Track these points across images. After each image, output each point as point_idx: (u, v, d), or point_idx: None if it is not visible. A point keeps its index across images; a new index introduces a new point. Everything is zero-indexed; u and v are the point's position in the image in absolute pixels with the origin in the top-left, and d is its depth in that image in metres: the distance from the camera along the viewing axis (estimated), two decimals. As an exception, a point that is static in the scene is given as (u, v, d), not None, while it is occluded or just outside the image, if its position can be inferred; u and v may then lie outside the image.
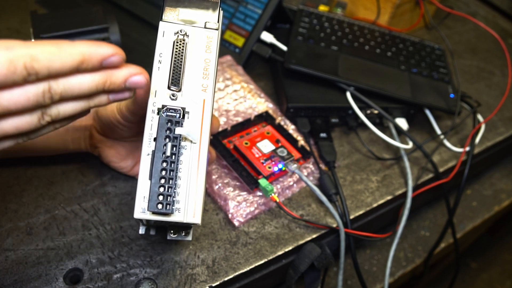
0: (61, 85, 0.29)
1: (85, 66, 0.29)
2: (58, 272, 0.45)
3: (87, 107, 0.32)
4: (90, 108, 0.33)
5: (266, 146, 0.58)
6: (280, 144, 0.58)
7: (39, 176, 0.54)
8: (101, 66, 0.30)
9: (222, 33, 0.75)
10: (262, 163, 0.55)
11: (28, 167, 0.54)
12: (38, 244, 0.48)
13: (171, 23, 0.38)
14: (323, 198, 0.54)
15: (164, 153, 0.35)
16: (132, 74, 0.32)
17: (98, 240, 0.49)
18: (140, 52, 0.74)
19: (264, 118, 0.63)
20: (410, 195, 0.61)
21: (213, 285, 0.47)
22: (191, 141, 0.37)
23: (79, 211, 0.51)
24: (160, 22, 0.38)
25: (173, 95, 0.37)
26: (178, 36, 0.38)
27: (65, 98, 0.30)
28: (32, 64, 0.27)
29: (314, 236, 0.54)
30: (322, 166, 0.61)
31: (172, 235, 0.43)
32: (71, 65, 0.28)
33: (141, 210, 0.35)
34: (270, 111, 0.65)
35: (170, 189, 0.35)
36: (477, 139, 0.70)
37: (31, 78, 0.27)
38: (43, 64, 0.27)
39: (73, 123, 0.51)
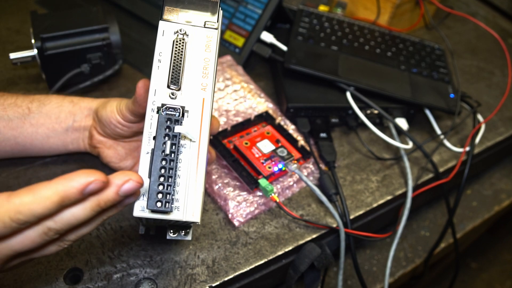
0: (58, 222, 0.30)
1: (68, 202, 0.29)
2: (58, 272, 0.45)
3: (98, 224, 0.34)
4: (103, 221, 0.34)
5: (266, 146, 0.58)
6: (280, 144, 0.58)
7: (39, 176, 0.54)
8: (86, 195, 0.30)
9: (222, 33, 0.75)
10: (262, 163, 0.55)
11: (28, 167, 0.54)
12: (38, 244, 0.47)
13: (171, 23, 0.38)
14: (323, 198, 0.54)
15: (163, 151, 0.35)
16: (119, 185, 0.31)
17: (98, 240, 0.49)
18: (140, 52, 0.74)
19: (264, 118, 0.63)
20: (410, 195, 0.61)
21: (213, 285, 0.47)
22: (191, 140, 0.37)
23: (79, 211, 0.51)
24: (160, 22, 0.38)
25: (172, 94, 0.37)
26: (177, 35, 0.38)
27: (70, 229, 0.32)
28: (17, 216, 0.28)
29: (314, 236, 0.54)
30: (322, 166, 0.61)
31: (171, 235, 0.43)
32: (51, 207, 0.29)
33: (140, 208, 0.35)
34: (270, 111, 0.65)
35: (169, 187, 0.35)
36: (477, 139, 0.70)
37: (24, 226, 0.29)
38: (27, 213, 0.29)
39: (73, 123, 0.52)
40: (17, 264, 0.33)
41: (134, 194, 0.33)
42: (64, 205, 0.30)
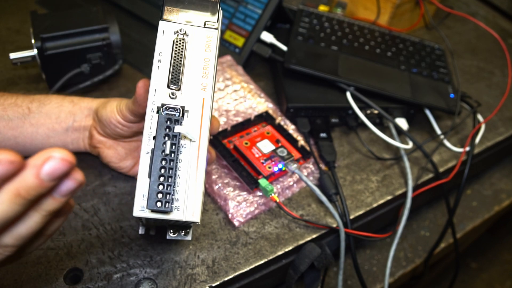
0: None
1: None
2: (58, 272, 0.45)
3: (42, 222, 0.27)
4: (44, 222, 0.28)
5: (266, 146, 0.58)
6: (280, 144, 0.58)
7: (39, 176, 0.54)
8: None
9: (222, 33, 0.75)
10: (262, 163, 0.55)
11: (28, 167, 0.54)
12: (38, 244, 0.47)
13: (171, 23, 0.38)
14: (323, 198, 0.54)
15: (163, 151, 0.35)
16: (39, 166, 0.25)
17: (98, 240, 0.49)
18: (140, 52, 0.74)
19: (264, 118, 0.62)
20: (410, 195, 0.61)
21: (213, 285, 0.47)
22: (191, 140, 0.37)
23: (79, 211, 0.51)
24: (160, 22, 0.38)
25: (172, 94, 0.37)
26: (177, 35, 0.38)
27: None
28: None
29: (314, 236, 0.54)
30: (322, 166, 0.61)
31: (171, 235, 0.43)
32: None
33: (140, 208, 0.35)
34: (270, 111, 0.65)
35: (169, 187, 0.35)
36: (477, 139, 0.70)
37: None
38: None
39: (73, 123, 0.52)
40: None
41: (71, 179, 0.26)
42: None
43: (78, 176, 0.26)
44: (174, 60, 0.37)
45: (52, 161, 0.24)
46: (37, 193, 0.25)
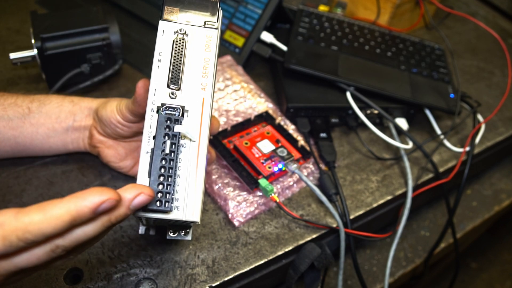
0: (67, 240, 0.29)
1: (79, 221, 0.29)
2: (58, 272, 0.45)
3: (104, 236, 0.33)
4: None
5: (266, 146, 0.58)
6: (280, 144, 0.58)
7: (39, 176, 0.54)
8: (99, 214, 0.29)
9: (222, 33, 0.75)
10: (262, 163, 0.55)
11: (28, 167, 0.54)
12: (37, 244, 0.47)
13: (171, 22, 0.38)
14: (323, 198, 0.54)
15: (163, 151, 0.35)
16: (131, 200, 0.31)
17: (98, 240, 0.49)
18: (140, 52, 0.74)
19: (264, 118, 0.62)
20: (410, 195, 0.61)
21: (213, 285, 0.47)
22: (190, 139, 0.37)
23: (79, 211, 0.51)
24: (160, 21, 0.38)
25: (172, 93, 0.37)
26: (177, 35, 0.38)
27: (79, 245, 0.30)
28: (25, 235, 0.27)
29: (314, 236, 0.54)
30: (322, 166, 0.61)
31: (171, 235, 0.43)
32: (62, 226, 0.28)
33: None
34: (270, 111, 0.65)
35: (169, 186, 0.35)
36: (477, 139, 0.70)
37: (31, 244, 0.28)
38: (36, 233, 0.27)
39: (73, 123, 0.52)
40: (18, 278, 0.32)
41: (148, 195, 0.33)
42: (76, 224, 0.29)
43: (149, 190, 0.32)
44: (174, 60, 0.37)
45: (142, 197, 0.31)
46: (123, 218, 0.31)
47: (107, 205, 0.29)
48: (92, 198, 0.28)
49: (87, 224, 0.30)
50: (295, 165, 0.55)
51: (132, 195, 0.30)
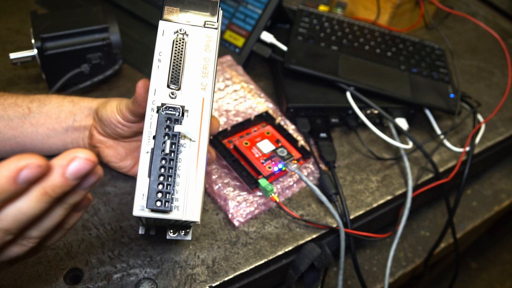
0: (3, 220, 0.26)
1: (4, 195, 0.25)
2: (58, 272, 0.45)
3: (63, 215, 0.29)
4: (65, 214, 0.30)
5: (266, 146, 0.58)
6: (280, 144, 0.58)
7: (39, 176, 0.54)
8: (24, 184, 0.25)
9: (222, 33, 0.75)
10: (262, 163, 0.55)
11: (28, 167, 0.54)
12: (37, 244, 0.47)
13: (171, 22, 0.38)
14: (323, 198, 0.54)
15: (163, 150, 0.35)
16: (64, 166, 0.26)
17: (98, 240, 0.49)
18: (140, 52, 0.74)
19: (264, 118, 0.62)
20: (410, 195, 0.61)
21: (213, 285, 0.47)
22: (190, 139, 0.37)
23: (79, 211, 0.51)
24: (160, 21, 0.38)
25: (172, 93, 0.37)
26: (177, 35, 0.38)
27: (27, 225, 0.28)
28: None
29: (314, 236, 0.54)
30: (322, 166, 0.61)
31: (171, 235, 0.43)
32: None
33: (140, 207, 0.35)
34: (270, 111, 0.65)
35: (169, 186, 0.35)
36: (477, 139, 0.70)
37: None
38: None
39: (73, 123, 0.52)
40: None
41: (93, 174, 0.28)
42: (2, 199, 0.25)
43: (99, 171, 0.28)
44: (174, 59, 0.37)
45: (77, 161, 0.26)
46: (63, 191, 0.27)
47: (28, 172, 0.25)
48: (9, 165, 0.25)
49: (18, 198, 0.26)
50: (295, 165, 0.55)
51: (65, 160, 0.26)
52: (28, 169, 0.25)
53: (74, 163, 0.26)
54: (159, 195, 0.35)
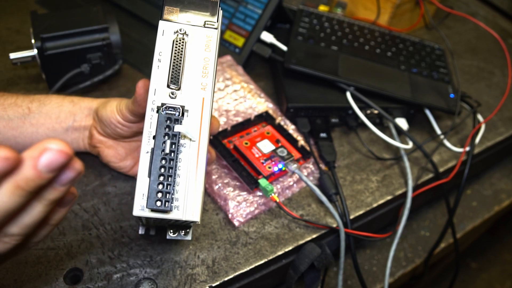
0: None
1: None
2: (58, 272, 0.45)
3: (45, 212, 0.28)
4: (46, 211, 0.28)
5: (266, 146, 0.58)
6: (280, 144, 0.58)
7: (39, 176, 0.54)
8: None
9: (222, 33, 0.75)
10: (262, 163, 0.55)
11: (28, 167, 0.54)
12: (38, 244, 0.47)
13: (171, 22, 0.38)
14: (323, 198, 0.54)
15: (163, 150, 0.35)
16: (36, 157, 0.25)
17: (98, 240, 0.49)
18: (140, 52, 0.74)
19: (264, 118, 0.62)
20: (410, 195, 0.61)
21: (213, 285, 0.47)
22: (190, 139, 0.37)
23: (79, 211, 0.51)
24: (160, 21, 0.38)
25: (172, 93, 0.37)
26: (177, 35, 0.38)
27: (0, 222, 0.27)
28: None
29: (314, 236, 0.54)
30: (322, 166, 0.61)
31: (171, 235, 0.43)
32: None
33: (140, 207, 0.35)
34: (270, 111, 0.65)
35: (169, 186, 0.35)
36: (477, 139, 0.70)
37: None
38: None
39: (73, 123, 0.52)
40: None
41: (70, 169, 0.27)
42: None
43: (76, 165, 0.27)
44: (174, 59, 0.37)
45: (49, 153, 0.25)
46: (36, 185, 0.25)
47: None
48: None
49: None
50: (295, 165, 0.55)
51: (37, 152, 0.25)
52: None
53: (46, 154, 0.25)
54: (159, 195, 0.35)
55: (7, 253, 0.30)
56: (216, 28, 0.39)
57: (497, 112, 0.77)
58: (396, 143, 0.64)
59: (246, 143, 0.57)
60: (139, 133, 0.50)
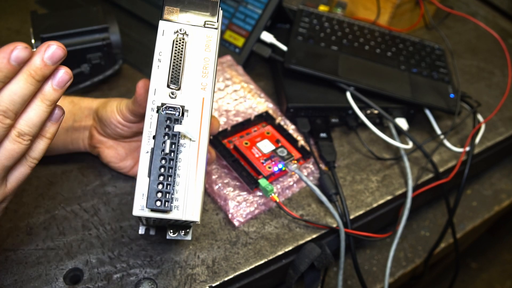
0: (1, 102, 0.32)
1: (2, 75, 0.31)
2: (58, 272, 0.45)
3: (43, 112, 0.34)
4: (48, 111, 0.35)
5: (266, 146, 0.58)
6: (280, 144, 0.58)
7: (39, 176, 0.54)
8: (16, 64, 0.31)
9: (222, 33, 0.75)
10: (262, 163, 0.55)
11: (28, 167, 0.54)
12: (38, 244, 0.48)
13: (171, 22, 0.38)
14: (323, 198, 0.54)
15: (163, 150, 0.35)
16: (42, 51, 0.32)
17: (98, 240, 0.49)
18: (140, 52, 0.74)
19: (264, 118, 0.62)
20: (410, 195, 0.61)
21: (213, 285, 0.47)
22: (190, 139, 0.37)
23: (79, 211, 0.51)
24: (160, 21, 0.38)
25: (172, 93, 0.37)
26: (177, 35, 0.38)
27: (17, 109, 0.32)
28: None
29: (314, 236, 0.54)
30: (322, 166, 0.61)
31: (171, 235, 0.43)
32: None
33: (140, 207, 0.35)
34: (270, 111, 0.65)
35: (169, 186, 0.35)
36: (477, 139, 0.70)
37: None
38: None
39: (73, 123, 0.52)
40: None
41: (62, 67, 0.34)
42: (0, 79, 0.31)
43: (67, 69, 0.35)
44: (174, 59, 0.37)
45: (52, 47, 0.32)
46: (43, 73, 0.33)
47: (18, 52, 0.31)
48: (5, 48, 0.31)
49: (11, 82, 0.32)
50: (295, 165, 0.55)
51: (43, 47, 0.32)
52: (17, 50, 0.31)
53: (49, 49, 0.32)
54: (159, 194, 0.35)
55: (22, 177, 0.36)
56: (216, 28, 0.39)
57: (497, 112, 0.77)
58: (396, 143, 0.64)
59: (246, 143, 0.57)
60: (139, 133, 0.50)
